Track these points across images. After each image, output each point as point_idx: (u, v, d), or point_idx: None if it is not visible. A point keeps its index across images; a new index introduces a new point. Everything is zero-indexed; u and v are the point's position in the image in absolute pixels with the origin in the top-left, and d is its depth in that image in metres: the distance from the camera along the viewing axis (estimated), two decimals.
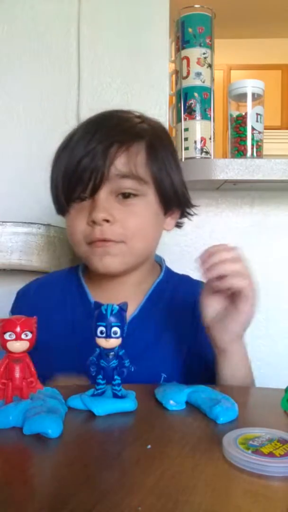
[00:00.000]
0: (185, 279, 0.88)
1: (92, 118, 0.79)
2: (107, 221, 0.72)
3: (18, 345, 0.49)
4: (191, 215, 0.86)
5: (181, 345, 0.78)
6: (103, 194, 0.73)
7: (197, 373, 0.74)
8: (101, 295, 0.78)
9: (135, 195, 0.74)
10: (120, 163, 0.72)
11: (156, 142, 0.77)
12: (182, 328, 0.79)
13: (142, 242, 0.76)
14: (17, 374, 0.50)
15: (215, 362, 0.70)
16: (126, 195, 0.74)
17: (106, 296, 0.78)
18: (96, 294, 0.81)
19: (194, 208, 0.86)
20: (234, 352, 0.68)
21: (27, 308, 0.82)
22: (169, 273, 0.87)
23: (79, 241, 0.76)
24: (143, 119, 0.80)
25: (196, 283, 0.86)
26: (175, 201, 0.80)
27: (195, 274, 0.93)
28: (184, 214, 0.85)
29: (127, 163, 0.73)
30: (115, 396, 0.53)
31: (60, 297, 0.83)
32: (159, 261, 0.89)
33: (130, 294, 0.80)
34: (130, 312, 0.78)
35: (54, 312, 0.80)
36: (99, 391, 0.53)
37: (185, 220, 0.88)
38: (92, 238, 0.73)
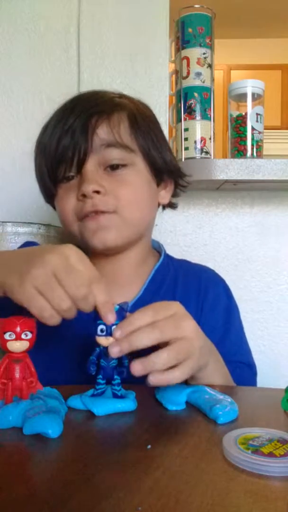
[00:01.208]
0: (184, 263, 0.87)
1: (67, 100, 0.76)
2: (98, 192, 0.69)
3: (18, 345, 0.49)
4: (185, 186, 0.84)
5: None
6: (90, 167, 0.70)
7: None
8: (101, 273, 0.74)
9: (123, 165, 0.71)
10: (102, 132, 0.70)
11: (138, 114, 0.75)
12: (192, 309, 0.75)
13: (137, 211, 0.73)
14: (17, 374, 0.50)
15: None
16: (114, 167, 0.71)
17: (107, 278, 0.72)
18: None
19: (187, 180, 0.83)
20: (202, 377, 0.60)
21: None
22: (168, 257, 0.86)
23: (71, 221, 0.72)
24: (121, 95, 0.78)
25: (195, 266, 0.88)
26: (166, 171, 0.78)
27: None
28: (177, 187, 0.83)
29: (110, 131, 0.70)
30: (115, 396, 0.53)
31: None
32: (158, 247, 0.87)
33: (130, 277, 0.78)
34: (133, 295, 0.76)
35: None
36: (99, 391, 0.53)
37: (180, 202, 0.87)
38: (83, 212, 0.70)
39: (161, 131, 0.79)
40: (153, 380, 0.50)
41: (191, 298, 0.78)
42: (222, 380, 0.64)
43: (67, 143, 0.69)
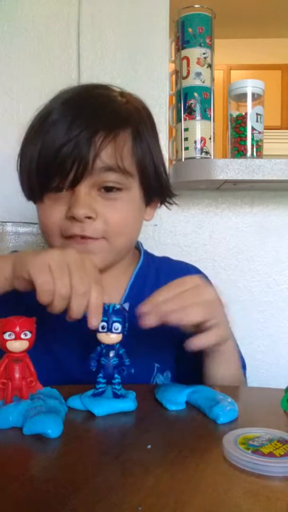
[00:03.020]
0: (165, 261, 0.86)
1: (68, 96, 0.70)
2: (89, 217, 0.66)
3: (18, 344, 0.49)
4: (171, 204, 0.81)
5: (172, 330, 0.73)
6: (85, 188, 0.66)
7: (190, 358, 0.69)
8: None
9: (118, 188, 0.68)
10: (105, 155, 0.66)
11: (142, 127, 0.71)
12: None
13: (124, 238, 0.71)
14: (17, 374, 0.50)
15: (202, 363, 0.67)
16: (108, 189, 0.68)
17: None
18: None
19: (174, 198, 0.81)
20: (223, 351, 0.65)
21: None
22: (148, 256, 0.83)
23: (54, 234, 0.69)
24: (126, 98, 0.73)
25: (176, 264, 0.87)
26: (157, 191, 0.76)
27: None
28: (163, 203, 0.80)
29: (113, 154, 0.66)
30: (115, 395, 0.53)
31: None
32: (137, 246, 0.85)
33: (111, 287, 0.75)
34: (116, 300, 0.74)
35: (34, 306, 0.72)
36: (99, 390, 0.53)
37: (180, 202, 0.86)
38: (70, 233, 0.67)
39: (158, 139, 0.76)
40: (195, 343, 0.58)
41: None
42: (237, 363, 0.69)
43: (67, 156, 0.64)
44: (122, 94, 0.73)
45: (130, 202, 0.71)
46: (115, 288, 0.76)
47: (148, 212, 0.78)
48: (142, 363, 0.67)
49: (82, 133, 0.64)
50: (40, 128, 0.68)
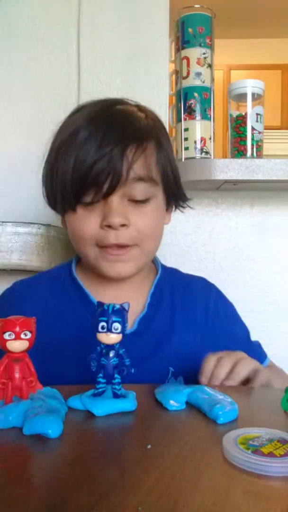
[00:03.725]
0: (176, 273, 0.90)
1: (93, 113, 0.74)
2: (123, 225, 0.70)
3: (18, 344, 0.49)
4: (184, 207, 0.86)
5: (194, 337, 0.79)
6: (118, 198, 0.71)
7: None
8: (103, 296, 0.75)
9: (147, 200, 0.73)
10: (137, 167, 0.70)
11: (161, 138, 0.76)
12: (191, 321, 0.81)
13: (153, 242, 0.77)
14: (17, 374, 0.50)
15: None
16: (138, 201, 0.73)
17: (109, 296, 0.77)
18: (98, 296, 0.78)
19: (188, 202, 0.86)
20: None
21: (12, 313, 0.79)
22: (163, 269, 0.88)
23: (88, 244, 0.73)
24: (144, 112, 0.77)
25: (186, 279, 0.91)
26: (176, 197, 0.81)
27: (196, 274, 0.93)
28: (178, 207, 0.85)
29: (143, 166, 0.71)
30: (115, 395, 0.53)
31: (52, 301, 0.80)
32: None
33: (134, 294, 0.79)
34: (137, 311, 0.79)
35: (46, 318, 0.70)
36: (99, 390, 0.53)
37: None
38: (106, 242, 0.71)
39: (172, 147, 0.81)
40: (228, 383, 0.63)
41: (192, 307, 0.82)
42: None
43: (102, 168, 0.68)
44: (139, 108, 0.78)
45: (157, 208, 0.76)
46: (137, 296, 0.80)
47: (167, 217, 0.83)
48: (156, 366, 0.72)
49: (115, 149, 0.68)
50: (71, 144, 0.71)
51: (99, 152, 0.68)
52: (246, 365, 0.65)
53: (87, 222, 0.72)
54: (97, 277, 0.79)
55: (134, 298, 0.78)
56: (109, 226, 0.70)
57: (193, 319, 0.82)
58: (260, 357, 0.85)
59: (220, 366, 0.64)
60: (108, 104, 0.76)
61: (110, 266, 0.74)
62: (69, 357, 0.69)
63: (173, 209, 0.84)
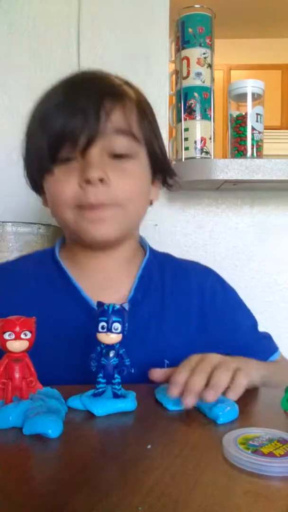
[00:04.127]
0: (168, 258, 0.85)
1: (69, 78, 0.71)
2: (102, 180, 0.65)
3: (18, 344, 0.49)
4: (171, 186, 0.81)
5: (187, 326, 0.74)
6: (96, 151, 0.66)
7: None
8: (89, 278, 0.74)
9: (128, 156, 0.68)
10: (116, 117, 0.66)
11: (143, 102, 0.73)
12: (184, 308, 0.76)
13: (137, 205, 0.71)
14: (17, 374, 0.50)
15: None
16: (118, 156, 0.68)
17: (95, 278, 0.74)
18: (83, 277, 0.74)
19: (175, 179, 0.81)
20: (270, 381, 0.66)
21: None
22: (152, 252, 0.83)
23: (67, 205, 0.68)
24: (124, 81, 0.74)
25: (181, 263, 0.85)
26: (162, 167, 0.76)
27: None
28: (164, 185, 0.80)
29: (123, 117, 0.67)
30: (115, 395, 0.53)
31: (35, 286, 0.75)
32: (140, 240, 0.84)
33: (119, 274, 0.75)
34: (124, 294, 0.74)
35: (27, 305, 0.66)
36: (99, 390, 0.53)
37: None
38: (84, 201, 0.66)
39: (157, 124, 0.77)
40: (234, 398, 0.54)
41: (186, 294, 0.77)
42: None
43: (77, 123, 0.65)
44: (125, 81, 0.74)
45: (140, 169, 0.71)
46: (123, 280, 0.75)
47: (153, 192, 0.78)
48: (151, 359, 0.68)
49: (90, 101, 0.65)
50: (46, 108, 0.69)
51: (74, 106, 0.66)
52: (243, 375, 0.57)
53: (65, 182, 0.67)
54: (81, 259, 0.75)
55: (120, 282, 0.75)
56: (88, 182, 0.65)
57: (187, 306, 0.76)
58: (267, 350, 0.79)
59: (196, 374, 0.55)
60: (83, 71, 0.74)
61: (92, 227, 0.68)
62: (51, 343, 0.65)
63: (161, 186, 0.80)
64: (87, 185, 0.65)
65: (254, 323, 0.83)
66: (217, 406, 0.51)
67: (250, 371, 0.60)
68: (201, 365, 0.56)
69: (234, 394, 0.54)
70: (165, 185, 0.81)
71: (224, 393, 0.54)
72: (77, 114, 0.65)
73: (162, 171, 0.77)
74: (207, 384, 0.54)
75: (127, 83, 0.74)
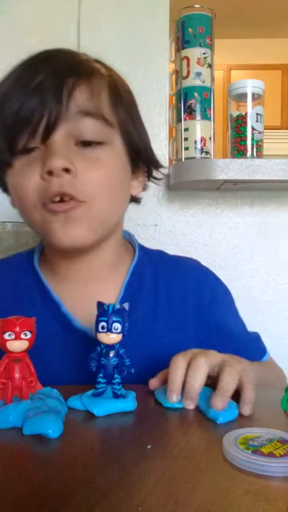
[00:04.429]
0: (162, 256, 0.78)
1: (30, 57, 0.62)
2: (67, 170, 0.56)
3: (18, 344, 0.49)
4: (158, 179, 0.72)
5: (185, 336, 0.69)
6: (60, 137, 0.57)
7: None
8: (69, 291, 0.66)
9: (98, 142, 0.59)
10: (80, 97, 0.57)
11: (120, 84, 0.64)
12: (180, 312, 0.70)
13: (109, 202, 0.61)
14: (17, 374, 0.50)
15: None
16: (87, 143, 0.58)
17: (75, 290, 0.66)
18: (62, 288, 0.66)
19: (162, 171, 0.73)
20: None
21: None
22: (143, 250, 0.75)
23: (31, 204, 0.59)
24: (98, 60, 0.65)
25: (175, 260, 0.79)
26: (143, 156, 0.67)
27: None
28: (149, 179, 0.72)
29: (89, 97, 0.57)
30: (115, 395, 0.53)
31: (11, 298, 0.68)
32: (129, 238, 0.77)
33: (106, 277, 0.68)
34: (113, 297, 0.66)
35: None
36: (100, 390, 0.53)
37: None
38: (48, 193, 0.57)
39: (138, 111, 0.68)
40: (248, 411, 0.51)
41: (181, 296, 0.71)
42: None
43: (33, 104, 0.55)
44: (96, 59, 0.66)
45: (114, 159, 0.61)
46: (111, 281, 0.68)
47: (135, 185, 0.69)
48: (146, 369, 0.63)
49: (48, 78, 0.56)
50: (0, 88, 0.60)
51: (30, 85, 0.56)
52: (250, 386, 0.53)
53: (27, 175, 0.58)
54: (60, 268, 0.68)
55: (104, 292, 0.67)
56: (50, 173, 0.56)
57: (184, 313, 0.70)
58: (261, 351, 0.76)
59: (194, 370, 0.52)
60: (47, 49, 0.63)
61: (61, 228, 0.58)
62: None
63: (146, 180, 0.71)
64: (50, 177, 0.57)
65: (244, 325, 0.80)
66: None
67: (251, 375, 0.56)
68: (198, 359, 0.53)
69: (249, 409, 0.51)
70: (150, 179, 0.72)
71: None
72: (34, 95, 0.56)
73: (144, 162, 0.68)
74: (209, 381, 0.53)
75: (98, 61, 0.65)
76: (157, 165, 0.71)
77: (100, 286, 0.68)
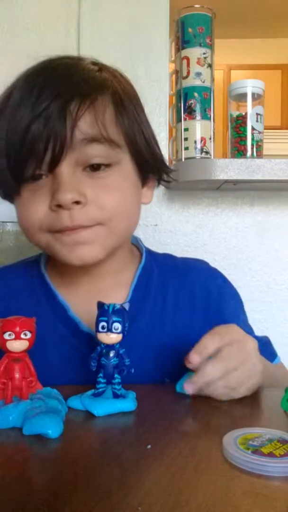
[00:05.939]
0: (169, 259, 0.77)
1: (32, 70, 0.60)
2: (78, 202, 0.56)
3: (18, 344, 0.49)
4: (169, 182, 0.71)
5: (192, 335, 0.66)
6: (67, 167, 0.56)
7: None
8: (76, 294, 0.67)
9: (107, 165, 0.58)
10: (85, 124, 0.56)
11: (122, 92, 0.62)
12: (188, 319, 0.69)
13: (124, 220, 0.61)
14: (17, 374, 0.50)
15: None
16: (95, 167, 0.58)
17: (82, 294, 0.67)
18: (69, 293, 0.67)
19: (171, 175, 0.72)
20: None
21: None
22: (150, 255, 0.74)
23: (37, 231, 0.59)
24: (100, 66, 0.64)
25: (183, 262, 0.78)
26: (152, 166, 0.66)
27: None
28: (159, 182, 0.71)
29: (94, 122, 0.56)
30: (115, 395, 0.53)
31: (19, 302, 0.69)
32: (136, 243, 0.75)
33: (112, 284, 0.68)
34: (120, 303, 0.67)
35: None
36: (100, 390, 0.53)
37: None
38: (59, 226, 0.57)
39: (143, 111, 0.66)
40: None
41: (189, 302, 0.71)
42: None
43: (38, 133, 0.54)
44: (96, 63, 0.64)
45: (124, 178, 0.61)
46: (117, 288, 0.68)
47: (146, 194, 0.68)
48: (152, 377, 0.64)
49: (52, 104, 0.55)
50: (3, 111, 0.58)
51: (34, 112, 0.55)
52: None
53: (33, 205, 0.58)
54: (67, 273, 0.67)
55: (115, 286, 0.68)
56: (60, 206, 0.56)
57: (192, 316, 0.70)
58: (267, 356, 0.74)
59: (221, 363, 0.53)
60: (51, 59, 0.61)
61: (69, 251, 0.58)
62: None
63: (156, 185, 0.70)
64: (60, 209, 0.56)
65: (251, 326, 0.80)
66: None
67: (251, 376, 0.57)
68: (228, 351, 0.54)
69: (191, 382, 0.54)
70: (160, 183, 0.72)
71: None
72: (37, 122, 0.55)
73: (154, 169, 0.68)
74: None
75: (101, 68, 0.64)
76: (166, 171, 0.70)
77: (107, 290, 0.67)
